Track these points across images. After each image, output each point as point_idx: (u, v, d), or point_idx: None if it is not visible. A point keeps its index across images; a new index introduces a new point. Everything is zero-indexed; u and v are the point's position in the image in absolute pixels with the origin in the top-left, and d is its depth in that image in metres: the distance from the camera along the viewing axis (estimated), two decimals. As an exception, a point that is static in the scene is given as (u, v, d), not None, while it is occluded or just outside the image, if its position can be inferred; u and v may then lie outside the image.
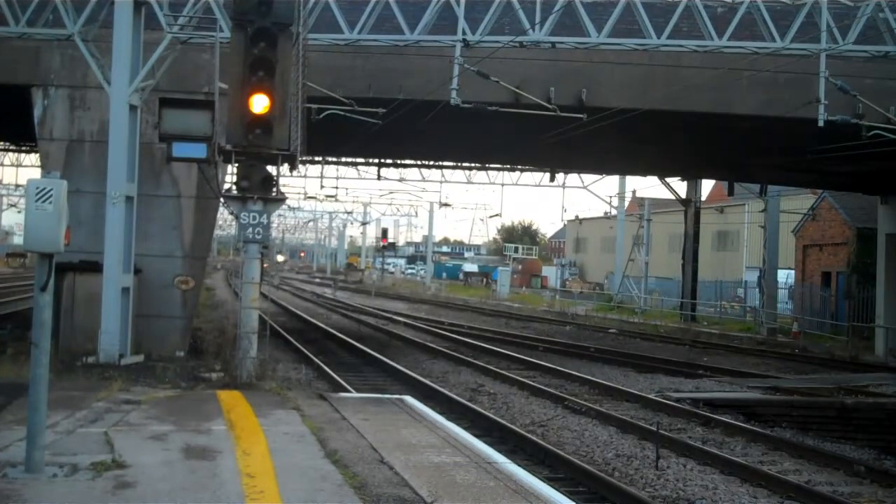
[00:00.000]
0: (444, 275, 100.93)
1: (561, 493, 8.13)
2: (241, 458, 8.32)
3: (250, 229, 13.01)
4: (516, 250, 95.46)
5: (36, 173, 35.72)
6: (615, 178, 53.92)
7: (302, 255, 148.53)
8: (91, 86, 17.33)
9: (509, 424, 14.87)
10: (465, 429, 11.11)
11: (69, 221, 7.67)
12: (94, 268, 15.58)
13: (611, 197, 59.42)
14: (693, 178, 42.70)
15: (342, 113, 19.53)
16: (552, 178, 39.24)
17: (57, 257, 7.67)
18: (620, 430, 15.11)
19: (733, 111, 20.32)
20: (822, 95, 17.78)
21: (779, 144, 24.00)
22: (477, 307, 50.88)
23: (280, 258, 73.83)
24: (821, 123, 17.90)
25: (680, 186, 43.31)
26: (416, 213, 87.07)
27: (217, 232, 66.04)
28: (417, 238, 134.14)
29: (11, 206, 74.58)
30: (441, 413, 12.48)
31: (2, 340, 18.15)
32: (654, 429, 14.26)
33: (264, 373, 13.61)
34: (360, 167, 43.04)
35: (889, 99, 19.17)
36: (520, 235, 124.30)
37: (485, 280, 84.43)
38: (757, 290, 41.69)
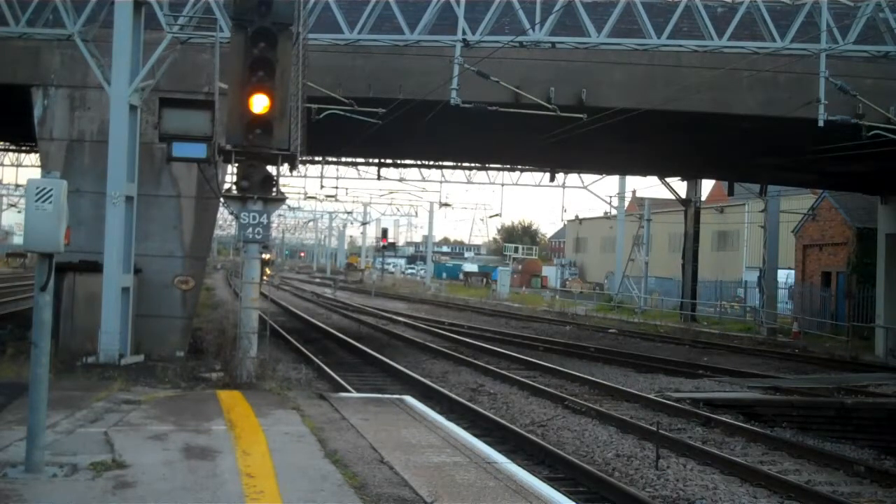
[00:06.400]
0: (444, 275, 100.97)
1: (561, 493, 8.13)
2: (241, 457, 8.32)
3: (250, 229, 13.01)
4: (516, 250, 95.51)
5: (36, 173, 35.72)
6: (615, 178, 53.97)
7: (302, 255, 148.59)
8: (91, 86, 17.32)
9: (509, 424, 14.87)
10: (465, 429, 11.11)
11: (69, 221, 7.67)
12: (94, 268, 15.58)
13: (611, 197, 59.57)
14: (693, 178, 42.71)
15: (342, 113, 19.53)
16: (552, 178, 39.22)
17: (57, 257, 7.67)
18: (620, 430, 15.11)
19: (733, 111, 20.32)
20: (822, 95, 17.78)
21: (779, 144, 24.01)
22: (477, 307, 50.88)
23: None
24: (821, 123, 17.91)
25: (680, 186, 43.32)
26: (416, 213, 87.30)
27: (217, 232, 66.02)
28: (417, 238, 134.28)
29: (11, 206, 74.59)
30: (441, 413, 12.49)
31: (2, 340, 18.15)
32: (654, 429, 14.26)
33: (264, 373, 13.60)
34: (360, 167, 43.05)
35: (889, 99, 19.17)
36: (520, 235, 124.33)
37: (485, 280, 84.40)
38: (757, 290, 41.70)
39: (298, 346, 24.69)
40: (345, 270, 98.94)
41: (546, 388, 18.87)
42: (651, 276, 53.16)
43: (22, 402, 9.39)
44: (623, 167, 39.89)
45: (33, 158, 42.90)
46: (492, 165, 41.63)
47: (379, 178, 42.35)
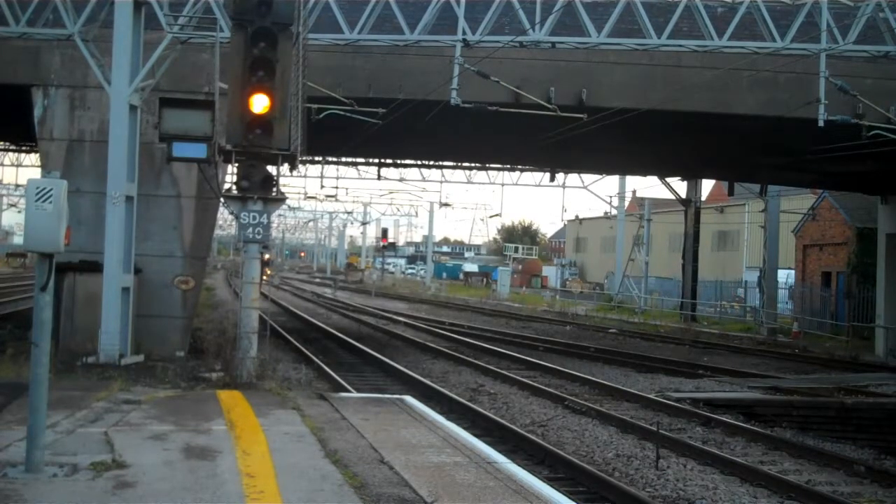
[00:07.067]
0: (445, 275, 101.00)
1: (561, 493, 8.13)
2: (241, 458, 8.32)
3: (250, 229, 13.01)
4: (516, 250, 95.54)
5: (36, 173, 35.72)
6: (615, 178, 54.00)
7: (302, 255, 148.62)
8: (91, 86, 17.32)
9: (509, 424, 14.87)
10: (466, 429, 11.11)
11: (69, 221, 7.67)
12: (94, 268, 15.58)
13: (611, 197, 59.58)
14: (693, 178, 42.71)
15: (342, 113, 19.53)
16: (552, 178, 39.25)
17: (57, 257, 7.67)
18: (620, 430, 15.11)
19: (733, 111, 20.32)
20: (822, 95, 17.79)
21: (779, 144, 24.01)
22: (477, 307, 50.88)
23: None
24: (821, 123, 17.92)
25: (680, 186, 43.32)
26: (416, 213, 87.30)
27: (217, 232, 66.00)
28: (417, 238, 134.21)
29: (11, 206, 74.60)
30: (441, 413, 12.49)
31: (2, 340, 18.15)
32: (654, 429, 14.27)
33: (264, 373, 13.60)
34: (360, 167, 43.06)
35: (889, 99, 19.17)
36: (520, 235, 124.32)
37: (485, 280, 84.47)
38: (757, 290, 41.71)
39: (298, 345, 24.68)
40: (345, 270, 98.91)
41: (546, 388, 18.86)
42: (651, 276, 53.16)
43: (22, 402, 9.39)
44: (623, 167, 39.88)
45: (33, 158, 42.91)
46: (492, 165, 41.64)
47: (379, 178, 42.38)
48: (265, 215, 13.09)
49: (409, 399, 12.60)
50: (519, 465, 9.10)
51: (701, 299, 45.59)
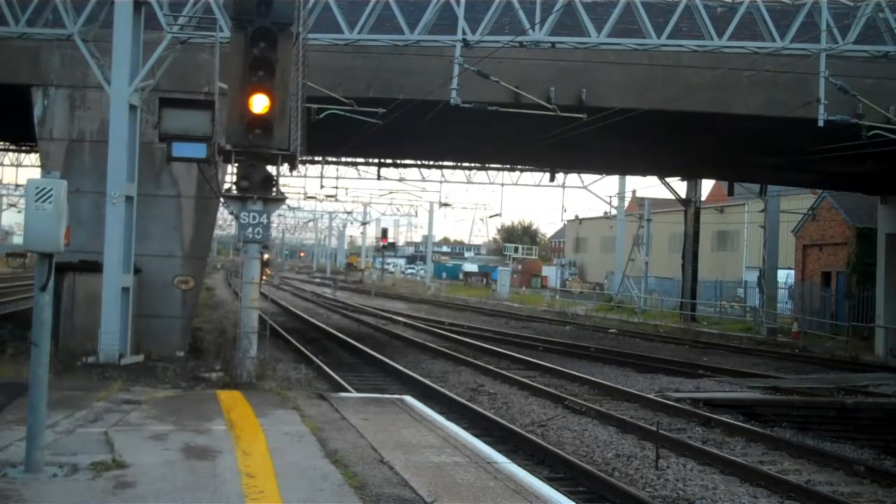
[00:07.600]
0: (444, 275, 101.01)
1: (561, 493, 8.13)
2: (241, 457, 8.32)
3: (250, 229, 13.01)
4: (516, 250, 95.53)
5: (36, 173, 35.70)
6: (615, 178, 53.96)
7: (302, 255, 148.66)
8: (91, 86, 17.31)
9: (509, 424, 14.87)
10: (465, 429, 11.11)
11: (69, 221, 7.67)
12: (94, 268, 15.58)
13: (611, 197, 59.45)
14: (693, 178, 42.71)
15: (342, 113, 19.52)
16: (552, 178, 39.24)
17: (57, 257, 7.67)
18: (620, 430, 15.11)
19: (733, 111, 20.32)
20: (822, 95, 17.80)
21: (779, 144, 24.01)
22: (477, 307, 50.88)
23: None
24: (821, 123, 17.92)
25: (680, 186, 43.32)
26: (416, 213, 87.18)
27: (217, 232, 65.99)
28: (417, 238, 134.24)
29: (11, 206, 74.59)
30: (441, 413, 12.49)
31: (2, 340, 18.15)
32: (654, 429, 14.27)
33: (264, 373, 13.62)
34: (360, 167, 43.06)
35: (889, 99, 19.18)
36: (520, 235, 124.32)
37: (485, 280, 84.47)
38: (757, 290, 41.70)
39: (298, 345, 24.69)
40: (345, 270, 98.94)
41: (546, 388, 18.87)
42: (651, 276, 53.14)
43: (22, 402, 9.39)
44: (623, 167, 39.88)
45: (33, 158, 42.90)
46: (492, 165, 41.64)
47: (379, 178, 42.37)
48: (265, 215, 13.10)
49: (408, 399, 12.61)
50: (519, 465, 9.10)
51: (701, 299, 45.59)
